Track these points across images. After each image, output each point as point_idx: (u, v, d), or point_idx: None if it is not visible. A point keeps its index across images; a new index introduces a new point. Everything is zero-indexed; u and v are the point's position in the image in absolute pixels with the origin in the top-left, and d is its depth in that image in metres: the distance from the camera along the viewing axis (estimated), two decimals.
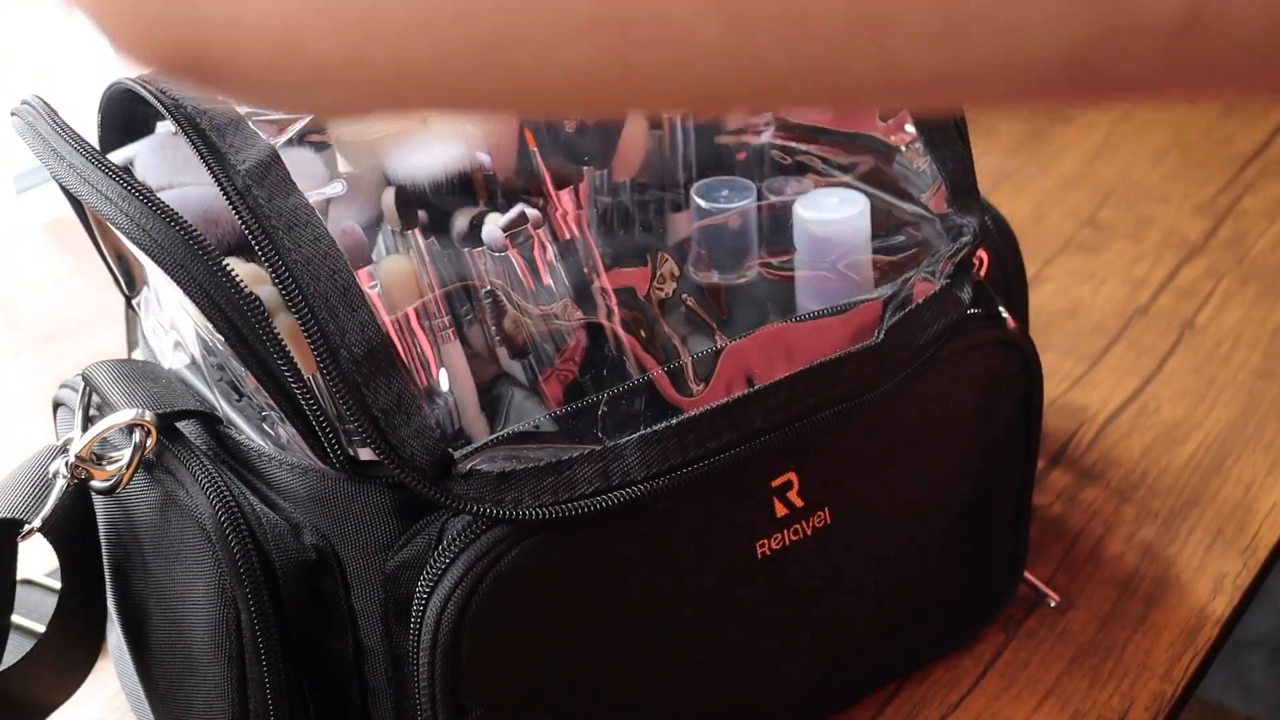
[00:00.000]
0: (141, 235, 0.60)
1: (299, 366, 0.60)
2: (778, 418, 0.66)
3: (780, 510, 0.68)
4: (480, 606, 0.62)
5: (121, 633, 0.72)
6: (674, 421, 0.64)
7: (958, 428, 0.75)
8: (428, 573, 0.62)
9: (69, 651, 0.71)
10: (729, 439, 0.65)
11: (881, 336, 0.69)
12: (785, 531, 0.69)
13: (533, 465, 0.62)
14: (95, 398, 0.69)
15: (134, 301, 0.74)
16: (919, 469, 0.74)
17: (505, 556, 0.62)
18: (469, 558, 0.62)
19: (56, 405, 0.73)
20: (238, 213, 0.60)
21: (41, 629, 0.71)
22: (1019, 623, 0.83)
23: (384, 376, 0.60)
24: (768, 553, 0.69)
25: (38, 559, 0.80)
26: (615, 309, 0.69)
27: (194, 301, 0.60)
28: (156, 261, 0.60)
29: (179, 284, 0.60)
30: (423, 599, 0.62)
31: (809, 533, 0.70)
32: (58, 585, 0.70)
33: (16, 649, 0.69)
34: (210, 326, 0.61)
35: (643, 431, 0.64)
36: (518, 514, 0.61)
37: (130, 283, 0.73)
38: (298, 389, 0.60)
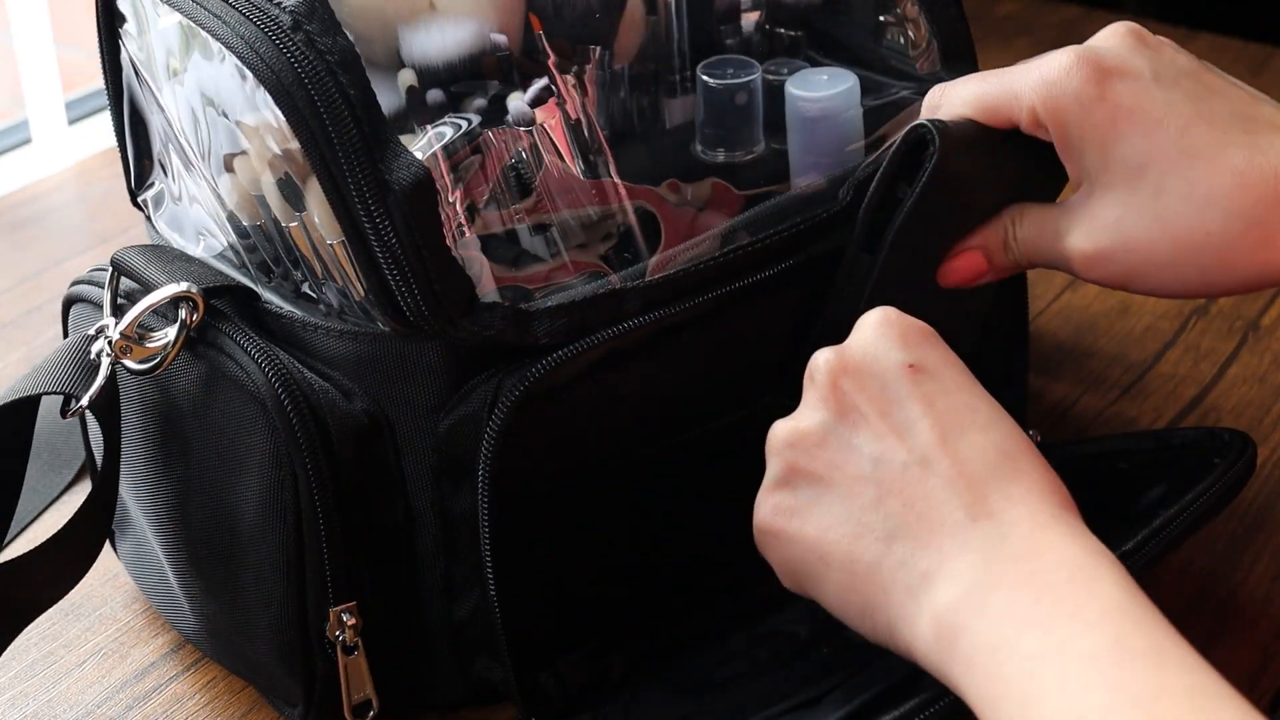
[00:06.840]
0: (252, 56, 0.61)
1: (387, 201, 0.61)
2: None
3: None
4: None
5: (150, 527, 0.71)
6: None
7: None
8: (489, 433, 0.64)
9: (81, 546, 0.70)
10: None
11: (848, 198, 0.71)
12: None
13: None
14: (124, 284, 0.69)
15: (140, 199, 0.74)
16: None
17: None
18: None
19: (69, 304, 0.72)
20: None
21: None
22: None
23: (429, 212, 0.62)
24: None
25: None
26: (624, 193, 0.71)
27: (296, 132, 0.61)
28: (264, 83, 0.61)
29: (284, 109, 0.61)
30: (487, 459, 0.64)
31: None
32: None
33: None
34: (268, 186, 0.62)
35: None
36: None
37: (140, 178, 0.74)
38: (372, 231, 0.62)
